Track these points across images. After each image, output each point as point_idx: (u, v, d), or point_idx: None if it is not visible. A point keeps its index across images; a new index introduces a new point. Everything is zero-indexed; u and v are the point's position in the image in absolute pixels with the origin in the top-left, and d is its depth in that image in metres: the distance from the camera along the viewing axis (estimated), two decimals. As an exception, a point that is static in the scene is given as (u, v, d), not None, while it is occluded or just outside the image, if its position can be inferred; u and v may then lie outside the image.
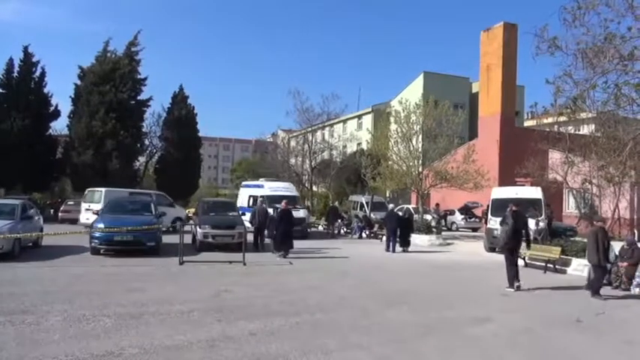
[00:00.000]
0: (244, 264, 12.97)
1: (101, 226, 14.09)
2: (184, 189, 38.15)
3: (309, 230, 23.46)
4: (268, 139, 60.32)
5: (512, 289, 10.47)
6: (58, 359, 5.36)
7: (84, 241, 14.82)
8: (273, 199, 21.69)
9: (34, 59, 35.72)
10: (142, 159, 42.49)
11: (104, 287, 9.55)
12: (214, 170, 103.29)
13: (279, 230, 15.47)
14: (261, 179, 27.88)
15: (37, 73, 35.84)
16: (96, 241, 14.04)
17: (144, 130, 39.70)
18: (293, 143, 46.65)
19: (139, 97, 37.14)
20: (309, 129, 40.46)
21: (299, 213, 21.43)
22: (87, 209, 22.10)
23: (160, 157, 42.16)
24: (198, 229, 16.33)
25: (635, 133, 15.11)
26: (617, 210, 23.07)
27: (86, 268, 12.02)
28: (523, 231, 11.31)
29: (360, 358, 5.79)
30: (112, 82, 34.60)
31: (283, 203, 16.54)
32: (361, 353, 5.96)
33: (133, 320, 7.08)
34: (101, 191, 23.03)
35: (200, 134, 43.14)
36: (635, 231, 21.78)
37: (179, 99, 41.17)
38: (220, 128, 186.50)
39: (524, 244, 11.89)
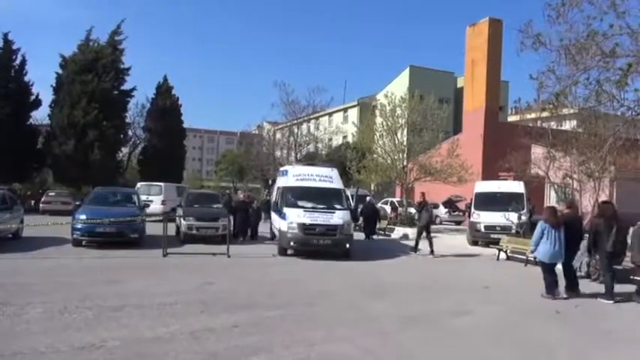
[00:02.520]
0: (228, 256, 12.94)
1: (83, 217, 13.91)
2: (168, 181, 37.82)
3: (348, 246, 14.00)
4: (254, 132, 60.07)
5: (415, 253, 15.35)
6: (38, 351, 5.29)
7: (65, 232, 14.62)
8: (297, 194, 14.83)
9: (14, 47, 34.95)
10: (125, 150, 42.07)
11: (85, 279, 9.45)
12: (199, 162, 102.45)
13: (237, 220, 17.17)
14: (296, 164, 21.76)
15: (18, 61, 35.06)
16: (77, 232, 13.86)
17: (127, 120, 39.29)
18: (278, 136, 46.54)
19: (122, 87, 36.73)
20: (295, 121, 40.38)
21: (331, 218, 13.97)
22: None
23: (143, 148, 41.78)
24: (182, 220, 16.24)
25: (615, 129, 15.37)
26: (596, 205, 23.45)
27: (67, 259, 11.87)
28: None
29: (344, 350, 5.82)
30: (95, 72, 34.12)
31: (241, 195, 18.08)
32: (345, 345, 5.99)
33: (115, 312, 7.02)
34: (160, 185, 26.19)
35: (184, 125, 42.79)
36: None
37: (163, 89, 40.81)
38: (205, 120, 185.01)
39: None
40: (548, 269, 9.39)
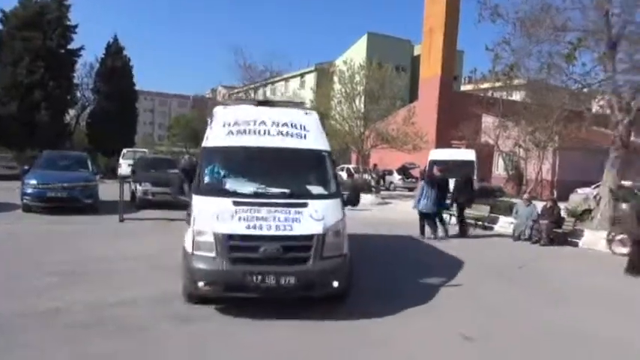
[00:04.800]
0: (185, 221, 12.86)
1: (33, 182, 13.38)
2: (119, 145, 36.69)
3: (336, 284, 5.82)
4: (208, 96, 58.79)
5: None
6: (0, 315, 5.26)
7: (13, 197, 14.08)
8: (228, 164, 6.69)
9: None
10: (72, 112, 40.30)
11: (42, 245, 9.27)
12: (150, 126, 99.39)
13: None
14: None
15: (-48, 15, 32.59)
16: (28, 197, 13.34)
17: (75, 81, 37.52)
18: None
19: (69, 46, 34.86)
20: (252, 86, 39.76)
21: (296, 219, 5.80)
22: (129, 165, 25.25)
23: (92, 110, 40.12)
24: (138, 186, 15.95)
25: (562, 100, 16.13)
26: (540, 172, 24.74)
27: (19, 225, 11.52)
28: None
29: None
30: (39, 28, 32.18)
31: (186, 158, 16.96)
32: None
33: (76, 277, 6.99)
34: (145, 151, 28.33)
35: (136, 87, 41.33)
36: (555, 192, 23.52)
37: (113, 50, 38.98)
38: (157, 82, 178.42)
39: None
40: (425, 217, 12.20)
